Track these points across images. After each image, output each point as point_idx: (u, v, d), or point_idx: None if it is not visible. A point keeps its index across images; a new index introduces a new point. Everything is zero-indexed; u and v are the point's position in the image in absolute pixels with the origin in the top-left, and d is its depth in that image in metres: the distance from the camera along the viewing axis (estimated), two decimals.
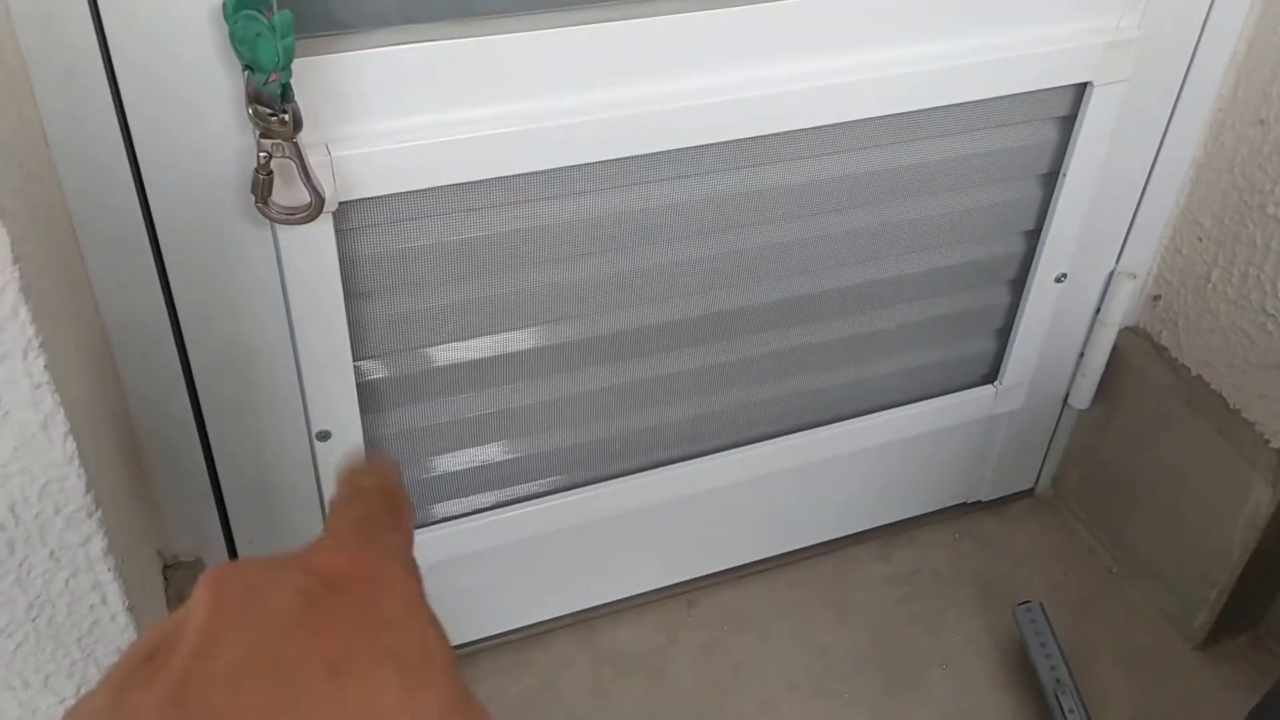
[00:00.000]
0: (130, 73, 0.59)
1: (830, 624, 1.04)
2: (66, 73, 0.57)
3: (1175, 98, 0.89)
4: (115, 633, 0.57)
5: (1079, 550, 1.11)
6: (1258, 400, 0.93)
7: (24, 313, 0.45)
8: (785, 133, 0.77)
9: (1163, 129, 0.91)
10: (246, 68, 0.58)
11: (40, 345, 0.46)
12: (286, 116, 0.59)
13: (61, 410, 0.49)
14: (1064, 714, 0.91)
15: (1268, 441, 0.92)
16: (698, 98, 0.72)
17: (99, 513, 0.53)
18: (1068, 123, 0.87)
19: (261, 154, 0.60)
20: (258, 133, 0.60)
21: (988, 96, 0.81)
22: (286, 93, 0.58)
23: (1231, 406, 0.95)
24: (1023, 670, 0.99)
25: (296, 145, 0.60)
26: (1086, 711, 0.91)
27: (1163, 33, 0.84)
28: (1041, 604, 0.99)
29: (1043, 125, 0.87)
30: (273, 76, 0.57)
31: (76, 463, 0.51)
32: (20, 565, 0.52)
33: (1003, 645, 1.02)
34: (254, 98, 0.58)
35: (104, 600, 0.56)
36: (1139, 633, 1.04)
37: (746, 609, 1.05)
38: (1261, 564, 0.96)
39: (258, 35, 0.56)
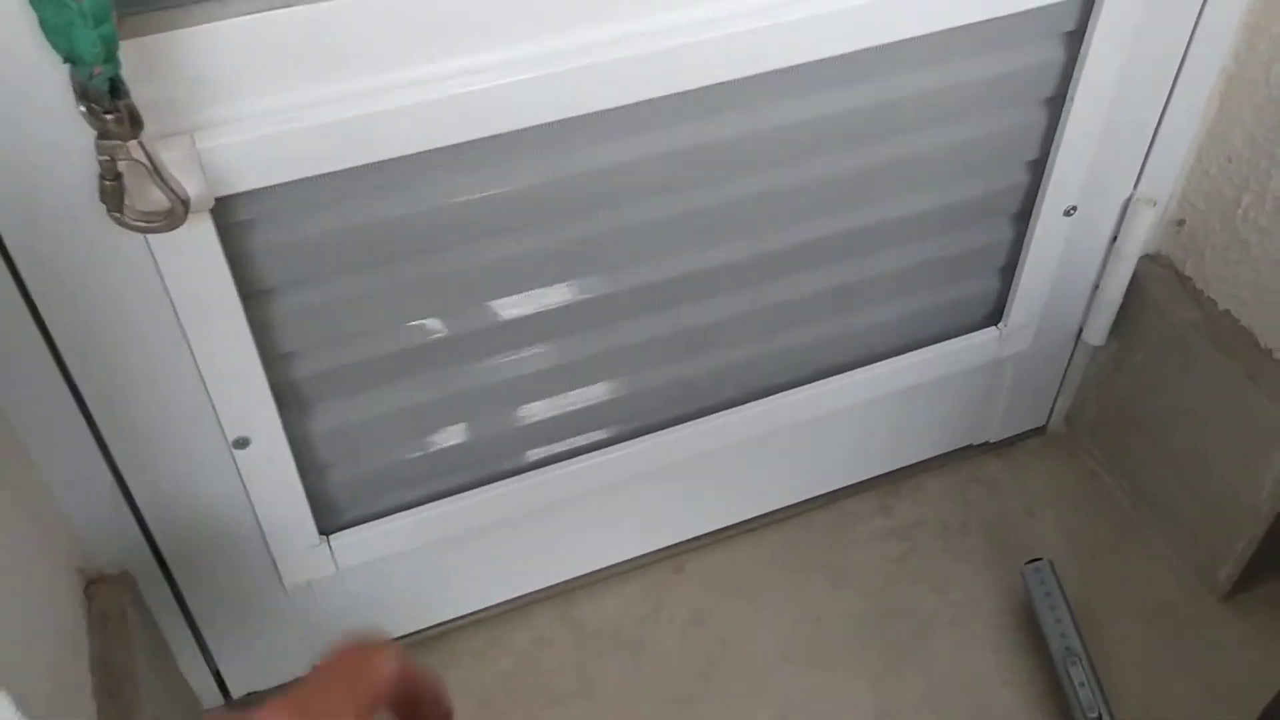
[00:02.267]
0: None
1: (826, 587, 0.97)
2: None
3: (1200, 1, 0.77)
4: None
5: (1095, 493, 1.03)
6: None
7: None
8: (760, 74, 0.67)
9: (1186, 37, 0.79)
10: (67, 61, 0.49)
11: None
12: (121, 114, 0.50)
13: None
14: (1074, 686, 0.84)
15: None
16: (652, 42, 0.62)
17: None
18: (1074, 39, 0.76)
19: (102, 158, 0.51)
20: (95, 134, 0.51)
21: (982, 19, 0.70)
22: (117, 87, 0.49)
23: (1263, 346, 0.86)
24: (1033, 632, 0.92)
25: (141, 144, 0.52)
26: (1099, 683, 0.85)
27: None
28: (1051, 562, 0.92)
29: (1045, 43, 0.76)
30: (95, 70, 0.48)
31: None
32: None
33: (1011, 605, 0.95)
34: (82, 94, 0.49)
35: None
36: (1160, 583, 0.97)
37: (737, 573, 0.98)
38: None
39: (69, 24, 0.47)
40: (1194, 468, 0.93)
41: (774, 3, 0.65)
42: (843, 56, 0.69)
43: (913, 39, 0.70)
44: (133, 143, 0.51)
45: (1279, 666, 0.91)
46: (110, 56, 0.48)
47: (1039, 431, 1.08)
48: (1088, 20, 0.74)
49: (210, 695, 0.87)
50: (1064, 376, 1.03)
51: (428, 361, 0.74)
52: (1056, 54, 0.76)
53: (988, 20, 0.71)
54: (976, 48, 0.73)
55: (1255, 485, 0.87)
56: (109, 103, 0.49)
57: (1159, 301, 0.92)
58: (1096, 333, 0.96)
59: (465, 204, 0.66)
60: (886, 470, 1.04)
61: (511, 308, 0.73)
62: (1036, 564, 0.92)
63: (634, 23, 0.62)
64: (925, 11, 0.68)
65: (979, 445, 1.07)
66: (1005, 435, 1.07)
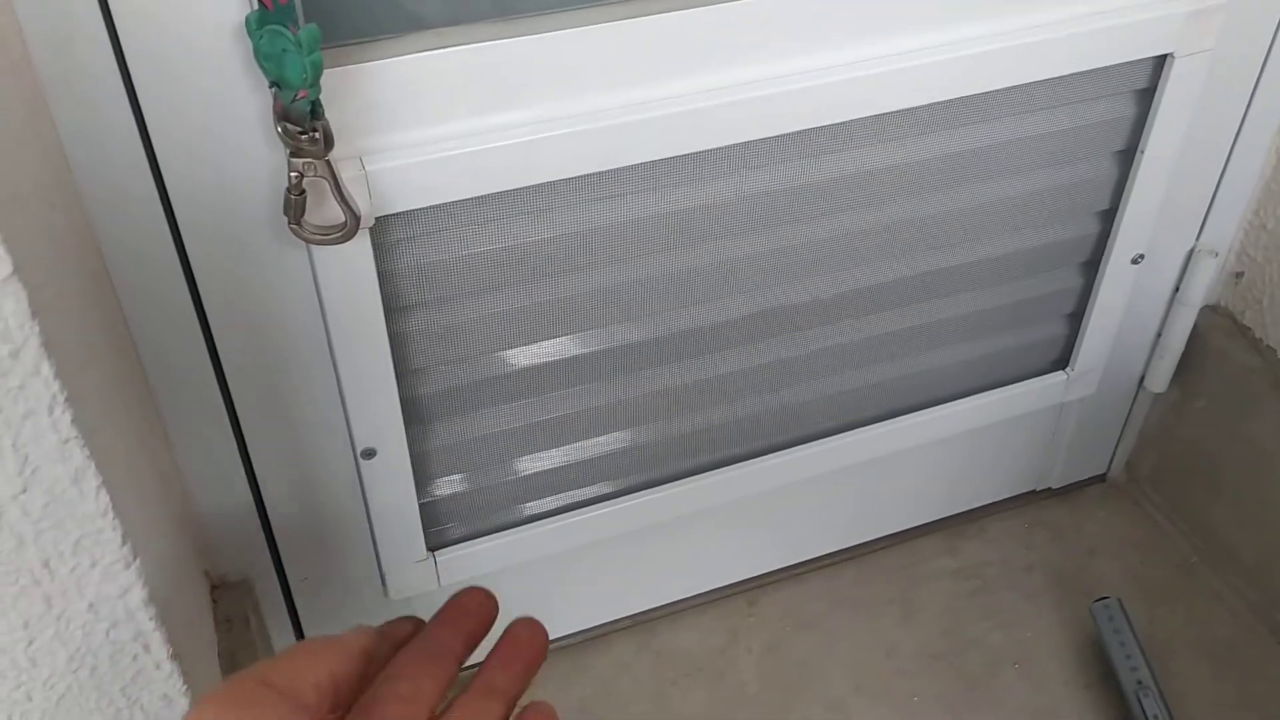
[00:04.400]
0: (151, 95, 0.56)
1: (897, 621, 1.00)
2: (86, 100, 0.54)
3: (1262, 64, 0.83)
4: (160, 679, 0.56)
5: (1156, 539, 1.07)
6: None
7: (47, 369, 0.43)
8: (855, 120, 0.73)
9: (1247, 98, 0.85)
10: (273, 85, 0.54)
11: (66, 400, 0.44)
12: (317, 134, 0.56)
13: (92, 464, 0.46)
14: (1147, 717, 0.87)
15: None
16: (750, 90, 0.68)
17: (136, 563, 0.51)
18: (1146, 96, 0.82)
19: (293, 174, 0.57)
20: (288, 152, 0.57)
21: (1060, 74, 0.76)
22: (316, 109, 0.55)
23: None
24: (1101, 668, 0.95)
25: (329, 163, 0.57)
26: (1170, 715, 0.87)
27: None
28: (1120, 600, 0.95)
29: (1119, 100, 0.82)
30: (300, 94, 0.54)
31: (111, 515, 0.48)
32: (58, 619, 0.50)
33: (1079, 641, 0.98)
34: (282, 115, 0.55)
35: (147, 649, 0.54)
36: (1222, 625, 0.99)
37: (809, 607, 1.02)
38: None
39: (283, 51, 0.52)
40: (1254, 511, 0.97)
41: (867, 56, 0.71)
42: (926, 107, 0.75)
43: (999, 92, 0.76)
44: (320, 161, 0.57)
45: None
46: (315, 82, 0.53)
47: (1100, 479, 1.12)
48: (1159, 79, 0.80)
49: None
50: (1125, 423, 1.07)
51: (542, 383, 0.78)
52: (1129, 109, 0.82)
53: (1065, 76, 0.77)
54: (1054, 101, 0.79)
55: None
56: (308, 123, 0.55)
57: (1219, 349, 0.97)
58: (1159, 380, 1.01)
59: (593, 231, 0.71)
60: (952, 513, 1.07)
61: (617, 335, 0.78)
62: (1105, 601, 0.95)
63: (750, 70, 0.68)
64: (1007, 67, 0.74)
65: (1041, 491, 1.10)
66: (1067, 482, 1.10)
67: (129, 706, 0.56)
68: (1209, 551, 1.03)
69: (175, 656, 0.55)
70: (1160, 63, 0.79)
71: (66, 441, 0.45)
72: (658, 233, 0.74)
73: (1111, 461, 1.10)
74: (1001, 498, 1.09)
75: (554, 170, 0.66)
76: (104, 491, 0.47)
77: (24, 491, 0.46)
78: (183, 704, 0.57)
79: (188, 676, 0.57)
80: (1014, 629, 0.99)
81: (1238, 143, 0.87)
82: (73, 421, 0.45)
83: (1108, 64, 0.77)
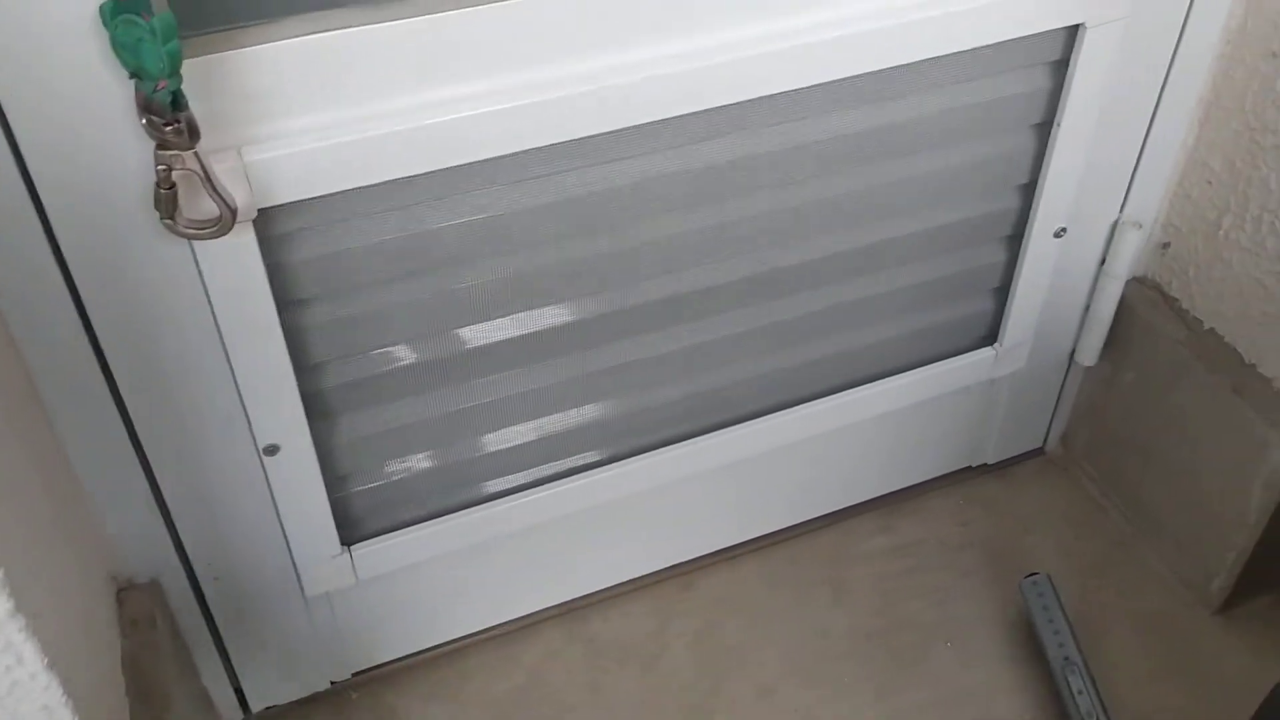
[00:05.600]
0: (12, 93, 0.53)
1: (829, 602, 1.00)
2: None
3: (1179, 33, 0.82)
4: (37, 690, 0.54)
5: (1090, 512, 1.06)
6: (1275, 354, 0.87)
7: None
8: (759, 98, 0.71)
9: (1165, 67, 0.84)
10: (133, 75, 0.52)
11: None
12: (181, 126, 0.54)
13: None
14: (1073, 694, 0.87)
15: None
16: (660, 67, 0.67)
17: (0, 574, 0.49)
18: (1060, 68, 0.80)
19: (160, 167, 0.55)
20: (154, 145, 0.55)
21: (972, 47, 0.75)
22: (178, 100, 0.53)
23: (1247, 361, 0.89)
24: (1031, 644, 0.95)
25: (197, 155, 0.55)
26: (1097, 691, 0.87)
27: None
28: (1049, 576, 0.95)
29: (1033, 72, 0.80)
30: (160, 84, 0.52)
31: None
32: None
33: (1011, 618, 0.98)
34: (145, 107, 0.53)
35: (19, 660, 0.52)
36: (1154, 597, 0.99)
37: (742, 590, 1.01)
38: None
39: (139, 40, 0.50)
40: (1184, 483, 0.97)
41: (780, 30, 0.69)
42: (841, 82, 0.73)
43: (908, 65, 0.74)
44: (188, 153, 0.55)
45: (1270, 677, 0.93)
46: (174, 71, 0.51)
47: (1036, 453, 1.11)
48: (1072, 50, 0.79)
49: (230, 709, 0.89)
50: (1058, 398, 1.06)
51: (449, 374, 0.77)
52: (1044, 82, 0.81)
53: (978, 48, 0.76)
54: (970, 74, 0.78)
55: (1243, 496, 0.90)
56: (170, 115, 0.53)
57: (1147, 322, 0.96)
58: (1088, 353, 1.00)
59: (491, 219, 0.69)
60: (887, 491, 1.07)
61: (529, 322, 0.77)
62: (1034, 578, 0.95)
63: (650, 49, 0.67)
64: (920, 40, 0.73)
65: (977, 467, 1.10)
66: (1002, 457, 1.10)
67: (8, 719, 0.54)
68: (1142, 524, 1.03)
69: (52, 666, 0.54)
70: (1073, 33, 0.78)
71: None
72: (557, 217, 0.72)
73: (1047, 436, 1.10)
74: (937, 474, 1.08)
75: (440, 158, 0.64)
76: None
77: None
78: (64, 713, 0.56)
79: (69, 684, 0.55)
80: (947, 606, 0.99)
81: (1158, 112, 0.86)
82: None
83: (1018, 35, 0.76)
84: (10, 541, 0.51)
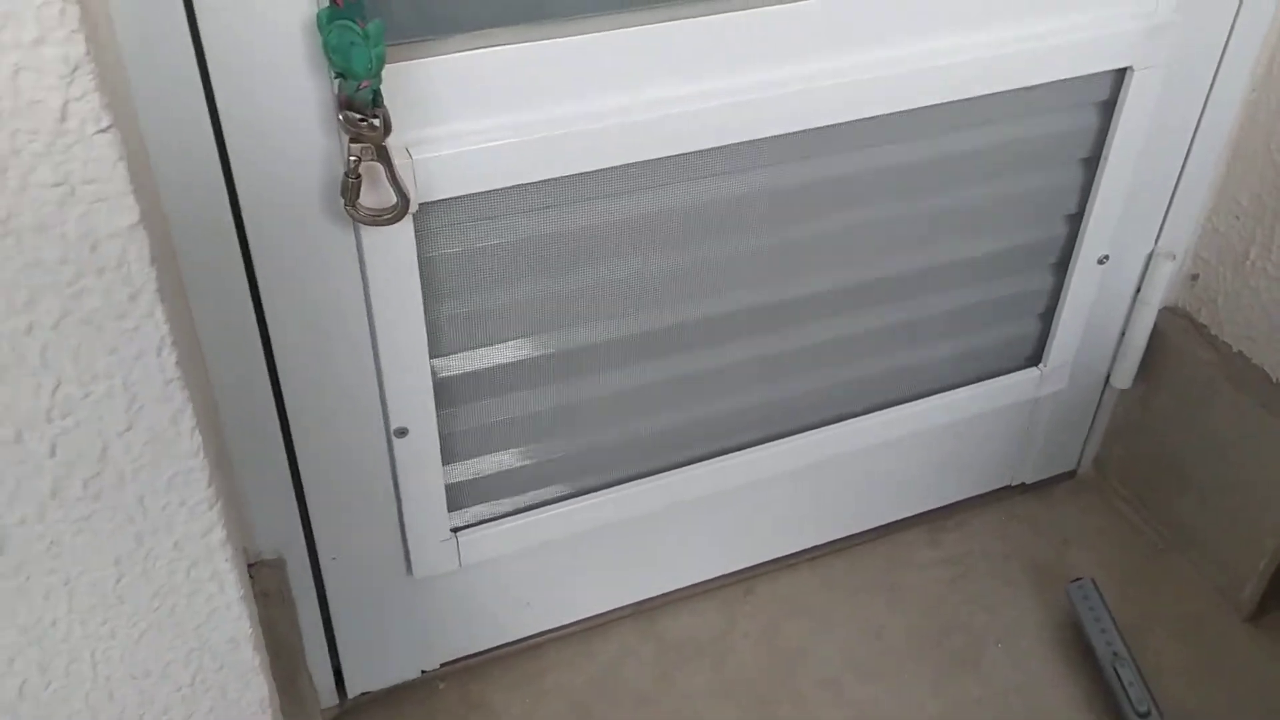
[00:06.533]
0: (224, 78, 0.61)
1: (885, 606, 1.06)
2: (165, 82, 0.60)
3: (1212, 78, 0.92)
4: (230, 620, 0.60)
5: (1124, 528, 1.13)
6: None
7: (159, 312, 0.48)
8: (834, 125, 0.80)
9: (1199, 110, 0.93)
10: (339, 75, 0.60)
11: (172, 342, 0.49)
12: (377, 121, 0.61)
13: (190, 405, 0.51)
14: (1124, 686, 0.93)
15: None
16: (755, 92, 0.75)
17: (219, 504, 0.55)
18: (1108, 107, 0.89)
19: (351, 158, 0.63)
20: (347, 138, 0.62)
21: (1030, 84, 0.84)
22: (377, 98, 0.61)
23: (1275, 380, 0.97)
24: (1078, 645, 1.01)
25: (385, 149, 0.63)
26: (1145, 683, 0.93)
27: (1199, 14, 0.87)
28: (1094, 580, 1.01)
29: (1083, 110, 0.89)
30: (364, 84, 0.60)
31: (201, 456, 0.53)
32: (146, 556, 0.55)
33: (1057, 621, 1.04)
34: (345, 104, 0.61)
35: (221, 589, 0.58)
36: (1189, 605, 1.06)
37: (802, 595, 1.07)
38: None
39: (351, 44, 0.58)
40: (1216, 497, 1.04)
41: (852, 64, 0.78)
42: (904, 114, 0.82)
43: (973, 100, 0.83)
44: (378, 147, 0.62)
45: None
46: (378, 72, 0.59)
47: (1070, 475, 1.19)
48: (1119, 92, 0.88)
49: (328, 694, 0.94)
50: (1093, 420, 1.14)
51: (559, 371, 0.84)
52: (1093, 120, 0.90)
53: (1033, 87, 0.85)
54: (1024, 111, 0.87)
55: (1274, 507, 0.97)
56: (370, 110, 0.61)
57: (1178, 347, 1.04)
58: (1124, 377, 1.08)
59: (601, 224, 0.77)
60: (932, 507, 1.14)
61: (633, 324, 0.84)
62: (1080, 582, 1.02)
63: (756, 75, 0.75)
64: (979, 76, 0.82)
65: (1015, 486, 1.17)
66: (1039, 478, 1.17)
67: (200, 648, 0.60)
68: (1175, 538, 1.10)
69: (244, 599, 0.60)
70: (1120, 76, 0.87)
71: (169, 382, 0.50)
72: (669, 225, 0.80)
73: (1080, 458, 1.17)
74: (978, 493, 1.15)
75: (580, 163, 0.72)
76: (198, 433, 0.52)
77: (129, 429, 0.50)
78: (247, 649, 0.62)
79: (253, 621, 0.61)
80: (995, 612, 1.05)
81: (1192, 150, 0.95)
82: (176, 363, 0.50)
83: (1072, 75, 0.85)
84: (218, 477, 0.57)
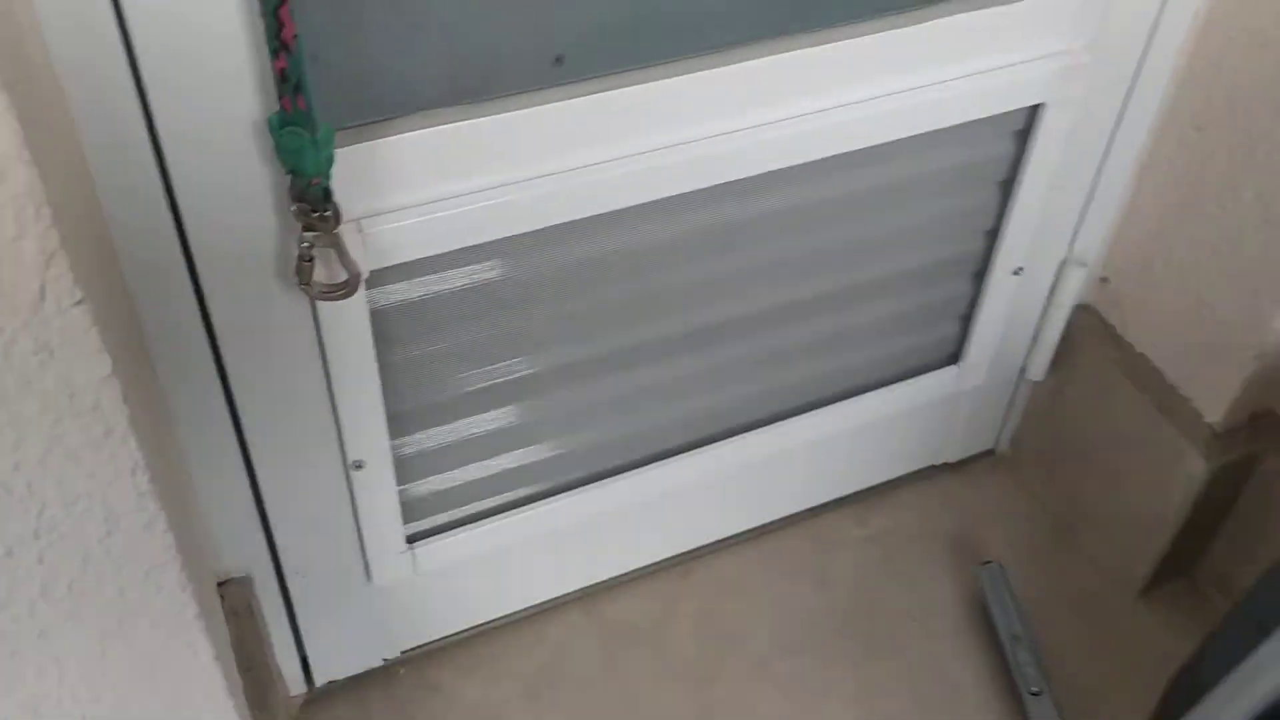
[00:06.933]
0: (181, 170, 0.64)
1: (813, 586, 1.14)
2: (128, 187, 0.63)
3: (1121, 108, 0.97)
4: (206, 677, 0.66)
5: (1035, 507, 1.22)
6: (1193, 379, 1.03)
7: (132, 441, 0.52)
8: (762, 174, 0.84)
9: (1109, 136, 0.98)
10: (290, 173, 0.64)
11: (145, 464, 0.54)
12: (328, 213, 0.65)
13: (162, 514, 0.56)
14: (1019, 666, 1.02)
15: (1202, 417, 1.02)
16: (684, 152, 0.79)
17: (190, 587, 0.61)
18: (1023, 136, 0.95)
19: (304, 244, 0.67)
20: (300, 225, 0.66)
21: (950, 125, 0.88)
22: (327, 193, 0.65)
23: (1169, 382, 1.05)
24: (985, 622, 1.10)
25: (336, 234, 0.67)
26: (1040, 664, 1.03)
27: (1110, 52, 0.91)
28: (1000, 564, 1.10)
29: (1001, 140, 0.94)
30: (314, 181, 0.63)
31: (174, 551, 0.58)
32: (127, 634, 0.60)
33: (968, 599, 1.13)
34: (297, 197, 0.65)
35: (196, 654, 0.64)
36: (1088, 581, 1.16)
37: (737, 576, 1.15)
38: (1195, 522, 1.07)
39: (300, 148, 0.62)
40: (1114, 483, 1.13)
41: (779, 116, 0.82)
42: (845, 154, 0.86)
43: (901, 140, 0.88)
44: (329, 234, 0.66)
45: (1183, 650, 1.11)
46: (327, 171, 0.63)
47: (989, 454, 1.27)
48: (1033, 123, 0.93)
49: (296, 683, 1.01)
50: (1010, 406, 1.22)
51: (504, 397, 0.89)
52: (1010, 148, 0.95)
53: (956, 125, 0.89)
54: (947, 143, 0.91)
55: (1165, 497, 1.06)
56: (321, 204, 0.64)
57: (1087, 344, 1.12)
58: (1037, 370, 1.15)
59: (543, 272, 0.82)
60: (862, 487, 1.21)
61: (570, 353, 0.89)
62: (988, 565, 1.11)
63: (691, 131, 0.79)
64: (905, 120, 0.86)
65: (939, 466, 1.25)
66: (960, 457, 1.25)
67: (178, 703, 0.66)
68: (1078, 517, 1.19)
69: (219, 659, 0.66)
70: (1035, 110, 0.92)
71: (142, 495, 0.55)
72: (613, 266, 0.85)
73: (999, 439, 1.26)
74: (904, 473, 1.23)
75: (523, 224, 0.76)
76: (169, 533, 0.57)
77: (107, 536, 0.55)
78: (223, 699, 0.68)
79: (227, 675, 0.68)
80: (914, 590, 1.14)
81: (1102, 171, 1.01)
82: (150, 480, 0.55)
83: (989, 114, 0.89)
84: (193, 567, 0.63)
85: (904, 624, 1.11)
